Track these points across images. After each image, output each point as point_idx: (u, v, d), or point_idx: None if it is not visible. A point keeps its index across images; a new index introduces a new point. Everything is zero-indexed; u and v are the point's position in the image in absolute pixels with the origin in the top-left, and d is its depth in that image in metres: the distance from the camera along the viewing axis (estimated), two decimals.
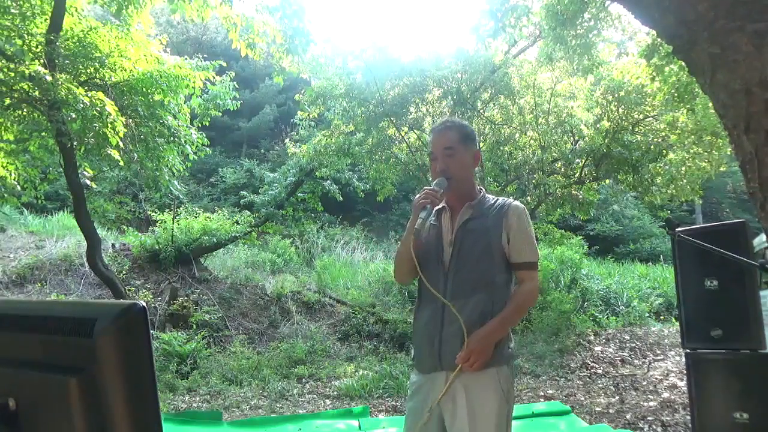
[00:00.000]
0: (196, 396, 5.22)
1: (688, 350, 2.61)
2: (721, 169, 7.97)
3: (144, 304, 0.61)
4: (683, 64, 1.27)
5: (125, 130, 5.21)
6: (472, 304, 1.70)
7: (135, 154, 6.01)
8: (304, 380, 5.84)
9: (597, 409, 4.50)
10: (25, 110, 5.65)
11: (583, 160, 7.84)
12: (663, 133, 7.59)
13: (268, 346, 6.92)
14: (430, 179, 1.93)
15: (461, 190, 1.85)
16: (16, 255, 8.04)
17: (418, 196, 1.78)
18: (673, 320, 8.17)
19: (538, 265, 1.81)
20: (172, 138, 6.46)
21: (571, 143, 8.27)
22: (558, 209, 8.38)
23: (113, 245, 8.67)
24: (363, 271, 9.84)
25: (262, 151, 19.90)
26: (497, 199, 1.87)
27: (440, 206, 1.89)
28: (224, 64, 7.18)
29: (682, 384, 5.01)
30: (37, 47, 5.36)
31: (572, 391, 5.16)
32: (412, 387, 1.85)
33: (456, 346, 1.69)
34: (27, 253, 8.10)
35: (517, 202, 1.84)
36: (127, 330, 0.58)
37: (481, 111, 7.92)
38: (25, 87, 4.90)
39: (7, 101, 5.17)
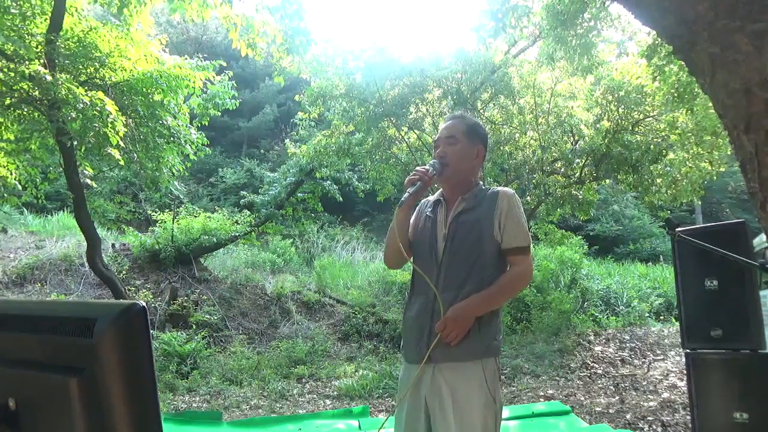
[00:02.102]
0: (196, 396, 5.22)
1: (688, 350, 2.61)
2: (721, 169, 7.96)
3: (144, 304, 0.61)
4: (683, 64, 1.27)
5: (125, 130, 5.20)
6: (461, 297, 1.71)
7: (135, 154, 6.01)
8: (304, 380, 5.84)
9: (597, 409, 4.50)
10: (25, 110, 5.64)
11: (583, 160, 7.83)
12: (663, 133, 7.57)
13: (268, 346, 6.92)
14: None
15: (459, 183, 1.87)
16: (16, 255, 8.04)
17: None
18: (673, 320, 8.16)
19: (530, 252, 1.81)
20: (171, 138, 6.46)
21: (571, 143, 8.25)
22: (558, 209, 8.37)
23: (113, 245, 8.67)
24: (363, 271, 9.85)
25: (262, 151, 19.90)
26: (490, 189, 1.88)
27: (436, 198, 1.91)
28: (224, 64, 7.17)
29: (682, 384, 5.01)
30: (37, 47, 5.36)
31: (572, 391, 5.15)
32: (399, 382, 1.85)
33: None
34: (27, 253, 8.10)
35: (507, 188, 1.87)
36: (127, 330, 0.58)
37: (481, 111, 7.90)
38: (25, 87, 4.90)
39: (7, 101, 5.17)
